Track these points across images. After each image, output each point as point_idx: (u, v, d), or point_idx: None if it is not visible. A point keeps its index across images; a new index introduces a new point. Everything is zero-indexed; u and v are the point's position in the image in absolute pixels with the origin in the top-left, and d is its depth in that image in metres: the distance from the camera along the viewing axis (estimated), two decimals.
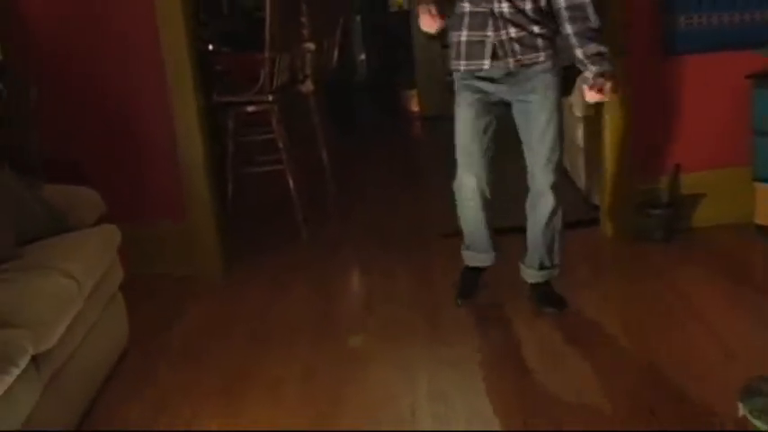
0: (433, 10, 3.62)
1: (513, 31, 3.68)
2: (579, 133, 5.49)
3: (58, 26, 4.73)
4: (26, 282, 3.27)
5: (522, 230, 4.14)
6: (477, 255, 4.19)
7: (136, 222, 4.64)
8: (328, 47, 6.35)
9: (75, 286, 3.41)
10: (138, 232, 4.47)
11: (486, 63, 3.75)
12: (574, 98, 5.40)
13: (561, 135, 3.89)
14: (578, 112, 5.43)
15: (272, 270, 4.92)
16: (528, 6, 3.66)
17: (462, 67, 3.82)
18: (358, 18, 10.09)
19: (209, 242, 4.91)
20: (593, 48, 3.68)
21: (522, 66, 3.74)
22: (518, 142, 3.95)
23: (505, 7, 3.65)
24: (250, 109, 5.38)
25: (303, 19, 5.77)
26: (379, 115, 9.18)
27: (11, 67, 4.66)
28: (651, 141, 4.84)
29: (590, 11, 3.68)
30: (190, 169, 4.83)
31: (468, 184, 3.97)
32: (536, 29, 3.69)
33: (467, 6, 3.73)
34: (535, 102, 3.81)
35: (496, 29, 3.69)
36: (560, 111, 3.86)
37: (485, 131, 3.89)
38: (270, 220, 5.72)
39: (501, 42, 3.70)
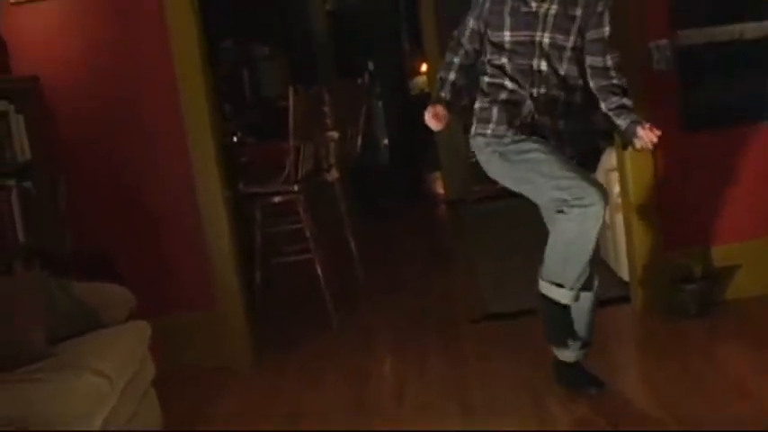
0: (440, 110, 3.67)
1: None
2: (606, 210, 5.45)
3: (85, 123, 4.83)
4: (59, 381, 3.26)
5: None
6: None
7: (166, 315, 4.65)
8: (352, 134, 6.40)
9: (107, 384, 3.40)
10: (167, 324, 4.48)
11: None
12: (597, 176, 5.40)
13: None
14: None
15: (303, 359, 4.90)
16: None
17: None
18: (380, 103, 10.20)
19: (239, 332, 4.91)
20: (616, 101, 3.68)
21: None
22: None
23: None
24: (276, 199, 5.42)
25: (326, 108, 5.83)
26: (405, 199, 9.20)
27: (39, 165, 4.72)
28: (681, 216, 4.81)
29: (613, 72, 3.70)
30: (218, 260, 4.86)
31: (597, 203, 3.60)
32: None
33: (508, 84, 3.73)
34: None
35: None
36: None
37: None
38: (299, 309, 5.72)
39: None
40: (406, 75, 11.08)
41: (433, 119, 3.71)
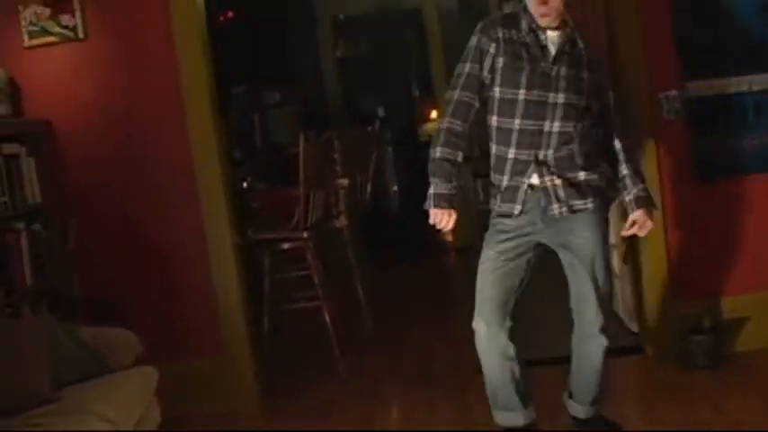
0: (452, 215, 3.55)
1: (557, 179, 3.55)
2: (614, 260, 5.44)
3: (95, 168, 4.86)
4: (63, 427, 3.25)
5: (559, 361, 4.02)
6: (506, 414, 3.81)
7: (173, 360, 4.63)
8: (362, 181, 6.42)
9: (112, 430, 3.38)
10: (175, 370, 4.47)
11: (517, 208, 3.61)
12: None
13: (608, 273, 3.72)
14: (612, 239, 5.40)
15: (310, 406, 4.88)
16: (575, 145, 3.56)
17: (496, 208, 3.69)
18: (390, 150, 10.23)
19: (247, 378, 4.90)
20: (623, 169, 3.67)
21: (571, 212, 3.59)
22: (553, 267, 3.88)
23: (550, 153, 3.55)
24: (285, 246, 5.42)
25: (336, 155, 5.85)
26: (414, 246, 9.19)
27: (49, 208, 4.75)
28: (690, 266, 4.80)
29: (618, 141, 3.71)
30: (226, 306, 4.86)
31: (480, 330, 3.71)
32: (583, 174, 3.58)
33: (511, 152, 3.58)
34: (579, 246, 3.63)
35: (540, 174, 3.56)
36: (606, 247, 3.68)
37: (508, 280, 3.67)
38: (307, 356, 5.70)
39: (545, 189, 3.57)
40: (416, 121, 11.13)
41: (443, 222, 3.57)
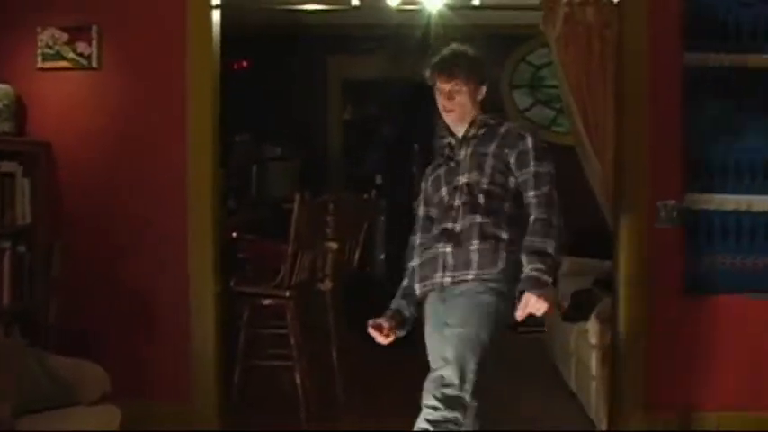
0: (385, 324, 3.66)
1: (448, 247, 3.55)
2: (593, 362, 5.42)
3: (89, 197, 4.88)
4: None
5: None
6: None
7: (139, 399, 4.57)
8: (351, 247, 6.39)
9: None
10: (139, 411, 4.38)
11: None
12: (590, 325, 5.38)
13: (478, 348, 3.43)
14: (593, 340, 5.39)
15: None
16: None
17: None
18: (382, 218, 10.22)
19: (210, 428, 4.81)
20: (527, 240, 3.45)
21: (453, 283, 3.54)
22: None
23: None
24: (266, 302, 5.38)
25: (329, 218, 5.84)
26: None
27: (38, 231, 4.72)
28: (667, 377, 4.79)
29: (534, 209, 3.51)
30: (200, 353, 4.83)
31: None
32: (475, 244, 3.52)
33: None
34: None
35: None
36: (482, 323, 3.45)
37: None
38: (274, 414, 5.60)
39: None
40: (413, 194, 11.12)
41: (380, 336, 3.71)
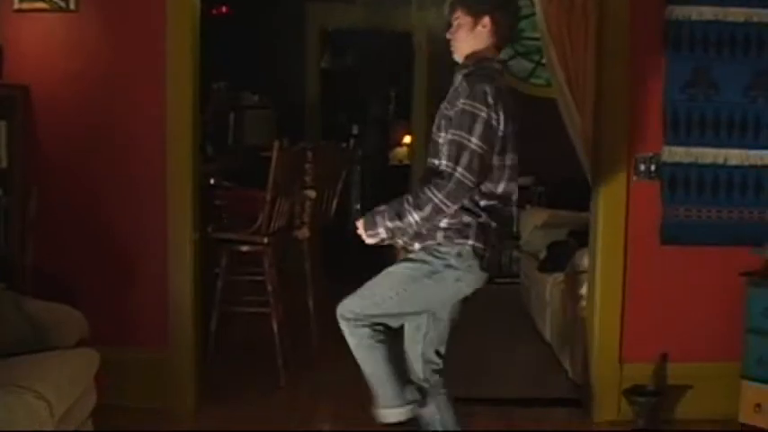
0: None
1: None
2: (568, 312, 5.48)
3: (67, 141, 4.80)
4: None
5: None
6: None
7: (116, 345, 4.54)
8: (328, 196, 6.39)
9: (46, 409, 3.34)
10: (116, 356, 4.35)
11: None
12: (565, 275, 5.43)
13: (383, 295, 3.53)
14: (569, 290, 5.44)
15: (247, 413, 4.84)
16: None
17: None
18: (358, 168, 10.22)
19: (187, 376, 4.85)
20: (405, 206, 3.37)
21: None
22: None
23: None
24: (244, 248, 5.37)
25: (307, 166, 5.82)
26: (370, 267, 9.15)
27: (15, 174, 4.67)
28: (642, 328, 4.83)
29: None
30: (177, 299, 4.81)
31: None
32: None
33: None
34: None
35: None
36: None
37: None
38: (250, 361, 5.64)
39: None
40: (389, 144, 11.14)
41: None
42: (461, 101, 3.36)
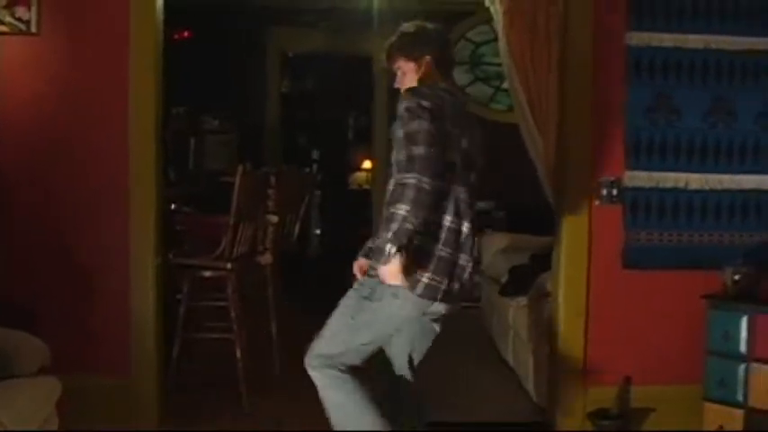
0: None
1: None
2: (531, 336, 5.49)
3: (27, 165, 4.74)
4: None
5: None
6: None
7: (76, 372, 4.47)
8: (290, 221, 6.37)
9: None
10: (78, 384, 4.28)
11: None
12: (528, 299, 5.45)
13: (338, 327, 3.64)
14: (532, 315, 5.46)
15: None
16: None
17: None
18: (318, 192, 10.23)
19: (150, 403, 4.80)
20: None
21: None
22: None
23: None
24: (207, 274, 5.33)
25: (270, 191, 5.80)
26: (331, 292, 9.13)
27: None
28: (605, 351, 4.86)
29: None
30: (139, 326, 4.77)
31: None
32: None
33: None
34: None
35: None
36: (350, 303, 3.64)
37: None
38: (213, 387, 5.58)
39: None
40: (348, 169, 11.18)
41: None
42: (404, 120, 3.41)
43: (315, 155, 10.91)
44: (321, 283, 9.22)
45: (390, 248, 3.30)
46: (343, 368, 3.59)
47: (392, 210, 3.32)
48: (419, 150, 3.34)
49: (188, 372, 5.46)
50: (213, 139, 8.39)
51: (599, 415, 4.76)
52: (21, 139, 4.71)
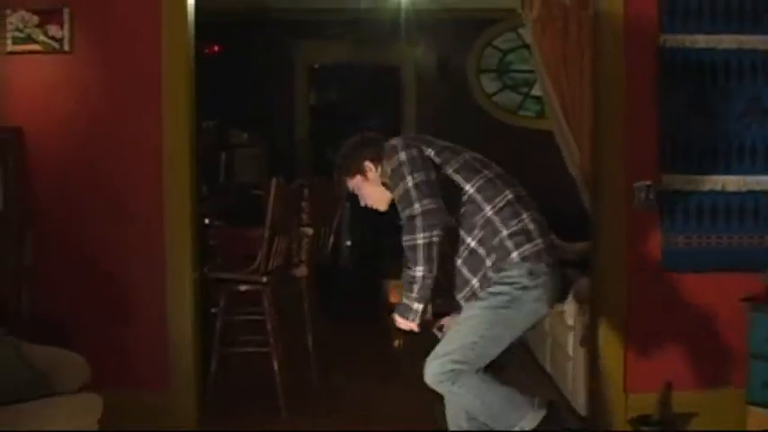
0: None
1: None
2: (569, 342, 5.45)
3: (63, 182, 4.78)
4: None
5: None
6: None
7: (116, 387, 4.46)
8: (325, 233, 6.36)
9: None
10: (118, 399, 4.26)
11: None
12: (566, 306, 5.40)
13: (471, 339, 3.59)
14: (570, 321, 5.41)
15: None
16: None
17: None
18: (348, 204, 10.19)
19: (188, 417, 4.82)
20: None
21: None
22: None
23: None
24: (243, 288, 5.34)
25: (304, 203, 5.80)
26: (363, 304, 9.11)
27: (9, 218, 4.63)
28: (646, 357, 4.81)
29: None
30: (177, 341, 4.79)
31: None
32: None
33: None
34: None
35: None
36: (489, 320, 3.60)
37: None
38: (251, 401, 5.57)
39: None
40: None
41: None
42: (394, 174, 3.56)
43: None
44: (353, 294, 9.27)
45: (417, 307, 3.50)
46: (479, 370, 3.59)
47: (411, 243, 3.45)
48: (410, 184, 3.46)
49: (226, 385, 5.46)
50: (243, 152, 8.41)
51: (640, 421, 4.71)
52: (55, 160, 4.75)
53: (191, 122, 4.80)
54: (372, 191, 3.78)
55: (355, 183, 3.81)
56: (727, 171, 4.81)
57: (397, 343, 7.22)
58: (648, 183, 4.78)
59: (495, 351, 3.62)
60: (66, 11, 4.68)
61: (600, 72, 4.74)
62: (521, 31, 8.04)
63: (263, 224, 5.24)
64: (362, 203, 3.84)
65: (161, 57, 4.70)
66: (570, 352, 5.44)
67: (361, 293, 9.18)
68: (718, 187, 4.79)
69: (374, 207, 3.80)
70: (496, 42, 8.91)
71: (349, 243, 10.42)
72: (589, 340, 4.99)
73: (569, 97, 4.69)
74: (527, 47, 6.41)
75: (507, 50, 8.87)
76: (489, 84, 8.90)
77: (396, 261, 9.34)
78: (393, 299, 9.27)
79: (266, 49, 8.71)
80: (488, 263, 3.56)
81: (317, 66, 9.76)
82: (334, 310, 7.77)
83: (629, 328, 4.79)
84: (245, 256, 5.45)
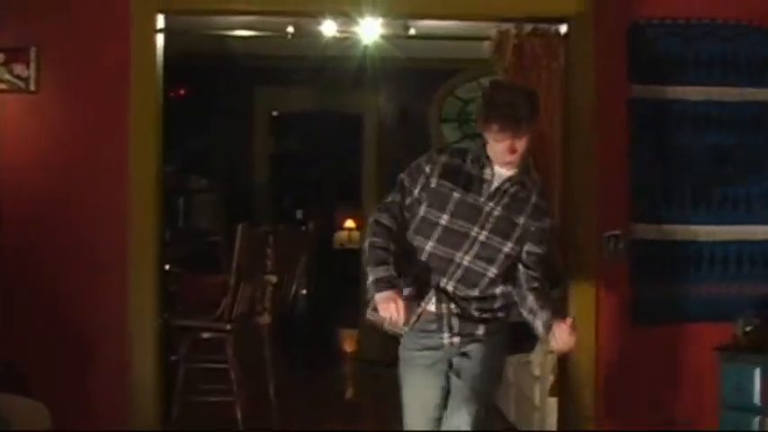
0: (399, 298, 3.33)
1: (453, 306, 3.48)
2: (536, 393, 5.41)
3: (25, 224, 4.67)
4: None
5: None
6: None
7: None
8: (287, 281, 6.28)
9: None
10: None
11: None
12: (533, 356, 5.37)
13: (495, 380, 3.62)
14: (536, 372, 5.37)
15: None
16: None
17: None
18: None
19: None
20: (537, 296, 3.47)
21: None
22: None
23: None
24: (206, 335, 5.24)
25: (269, 250, 5.72)
26: (320, 351, 9.04)
27: None
28: (617, 408, 4.79)
29: (537, 283, 3.50)
30: (140, 388, 4.70)
31: None
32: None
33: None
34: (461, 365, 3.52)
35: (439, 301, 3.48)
36: (501, 360, 3.65)
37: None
38: None
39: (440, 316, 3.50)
40: (334, 229, 11.14)
41: (391, 309, 3.34)
42: (548, 221, 3.55)
43: (298, 215, 10.86)
44: (309, 343, 9.18)
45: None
46: None
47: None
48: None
49: None
50: (201, 198, 8.30)
51: None
52: (20, 198, 4.65)
53: (157, 166, 4.73)
54: (526, 152, 3.39)
55: (525, 138, 3.34)
56: (698, 221, 4.83)
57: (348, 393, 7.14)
58: (617, 232, 4.79)
59: None
60: (33, 50, 4.60)
61: (571, 122, 4.75)
62: (482, 81, 8.06)
63: (221, 271, 5.16)
64: (508, 159, 3.34)
65: (129, 98, 4.65)
66: (536, 401, 5.38)
67: (316, 342, 9.11)
68: (689, 237, 4.81)
69: (507, 165, 3.37)
70: (458, 92, 8.95)
71: (304, 291, 10.34)
72: (558, 392, 4.95)
73: (539, 148, 4.68)
74: None
75: (467, 100, 8.90)
76: (450, 133, 8.90)
77: (350, 311, 9.30)
78: (348, 348, 9.22)
79: (228, 94, 8.63)
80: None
81: (275, 113, 9.71)
82: (293, 358, 7.70)
83: (600, 380, 4.76)
84: (205, 302, 5.37)
